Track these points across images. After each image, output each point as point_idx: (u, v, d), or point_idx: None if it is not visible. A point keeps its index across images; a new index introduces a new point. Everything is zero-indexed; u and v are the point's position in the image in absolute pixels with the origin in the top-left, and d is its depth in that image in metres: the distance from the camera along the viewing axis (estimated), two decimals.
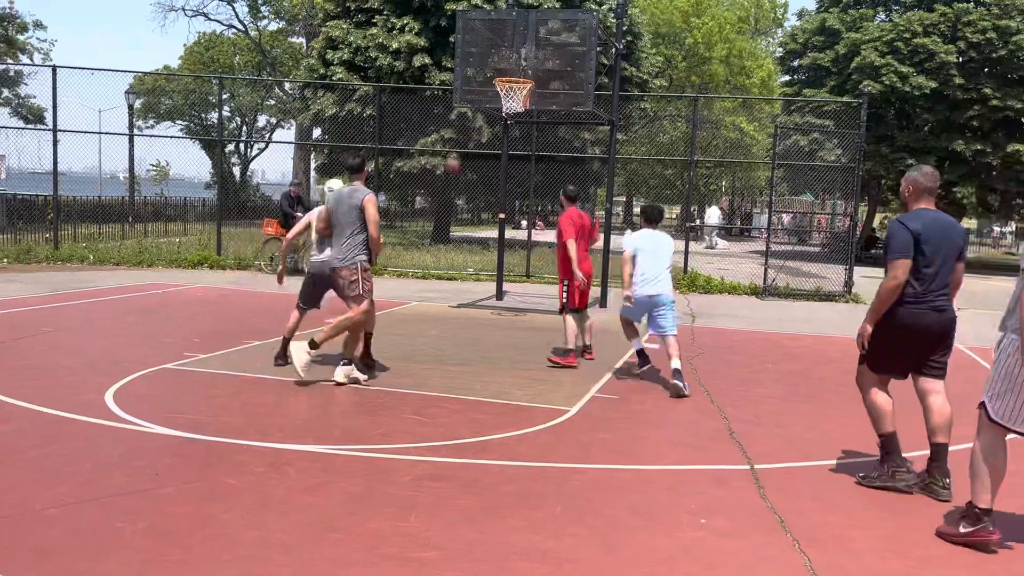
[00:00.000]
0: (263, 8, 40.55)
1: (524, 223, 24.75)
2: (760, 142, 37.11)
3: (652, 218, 7.41)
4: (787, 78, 29.80)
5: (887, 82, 23.17)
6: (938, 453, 4.64)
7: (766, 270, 14.88)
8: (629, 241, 7.23)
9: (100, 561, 3.44)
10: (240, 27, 41.04)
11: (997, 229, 48.90)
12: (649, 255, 7.11)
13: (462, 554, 3.66)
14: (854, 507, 4.45)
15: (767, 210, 19.32)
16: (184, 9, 39.72)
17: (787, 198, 34.40)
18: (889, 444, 4.76)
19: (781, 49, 30.05)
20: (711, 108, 36.01)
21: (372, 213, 6.50)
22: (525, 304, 12.18)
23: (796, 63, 28.05)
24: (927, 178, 4.62)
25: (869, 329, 4.69)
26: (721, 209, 23.70)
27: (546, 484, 4.62)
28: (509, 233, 15.72)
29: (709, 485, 4.73)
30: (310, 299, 7.40)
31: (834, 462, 5.25)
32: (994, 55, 23.48)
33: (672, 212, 52.92)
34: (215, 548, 3.60)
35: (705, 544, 3.88)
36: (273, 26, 42.51)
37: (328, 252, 6.88)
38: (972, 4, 23.79)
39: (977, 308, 14.51)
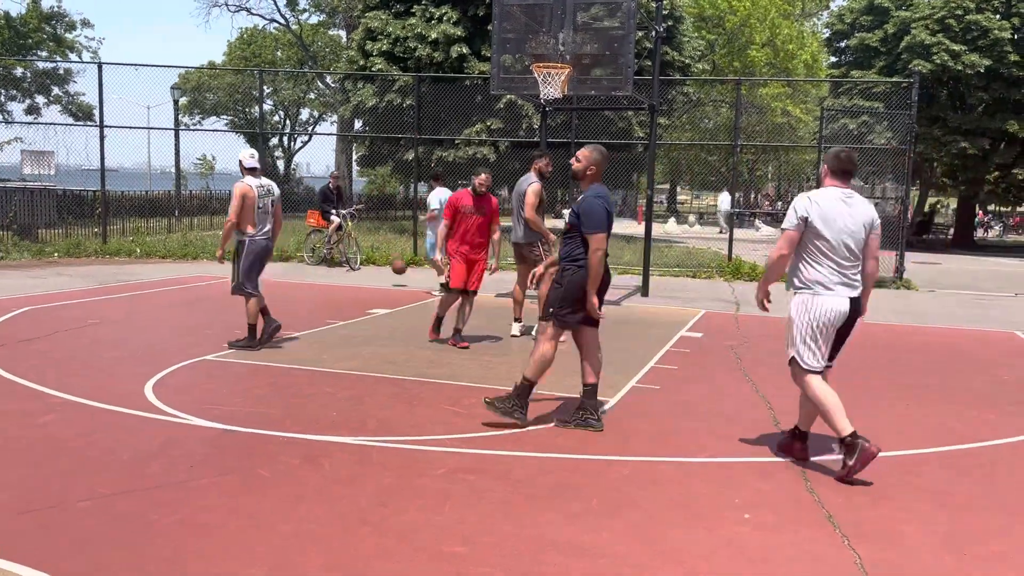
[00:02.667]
0: (303, 1, 40.80)
1: (565, 212, 24.52)
2: (808, 125, 36.33)
3: None
4: (834, 59, 29.06)
5: (938, 61, 22.44)
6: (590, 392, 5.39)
7: None
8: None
9: (134, 552, 3.43)
10: (281, 21, 41.39)
11: None
12: None
13: (496, 547, 3.57)
14: (905, 500, 4.26)
15: None
16: (227, 4, 40.20)
17: None
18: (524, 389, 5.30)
19: (828, 30, 29.30)
20: (755, 92, 35.32)
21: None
22: None
23: (843, 44, 27.32)
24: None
25: (594, 299, 5.27)
26: (733, 193, 22.97)
27: (583, 476, 4.51)
28: (550, 223, 15.58)
29: (753, 478, 4.58)
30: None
31: (885, 454, 5.03)
32: None
33: (715, 199, 52.27)
34: (248, 540, 3.57)
35: (748, 538, 3.74)
36: (314, 19, 42.79)
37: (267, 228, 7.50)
38: None
39: None
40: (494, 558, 3.48)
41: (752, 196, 48.08)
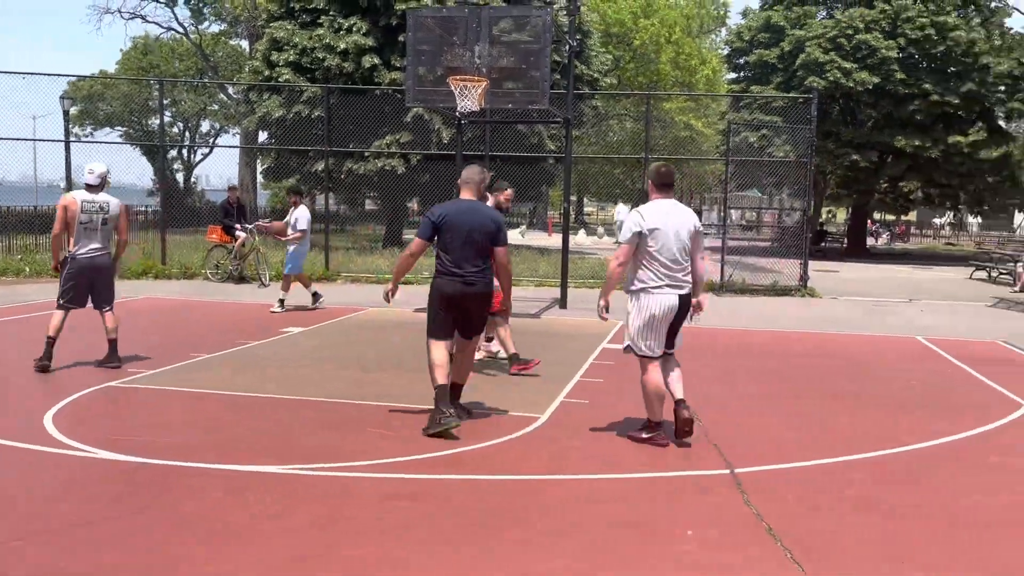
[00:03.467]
0: (203, 10, 39.51)
1: None
2: (710, 138, 37.44)
3: None
4: (734, 75, 30.06)
5: (831, 78, 23.49)
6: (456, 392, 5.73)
7: (723, 266, 14.88)
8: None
9: None
10: (179, 30, 39.95)
11: (937, 221, 50.19)
12: None
13: None
14: (843, 512, 4.32)
15: (718, 207, 19.40)
16: (120, 11, 38.56)
17: (737, 194, 34.79)
18: (441, 393, 5.45)
19: (728, 47, 30.32)
20: (660, 107, 36.20)
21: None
22: None
23: (743, 60, 28.31)
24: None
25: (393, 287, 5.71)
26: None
27: (521, 498, 4.41)
28: None
29: (691, 493, 4.57)
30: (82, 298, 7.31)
31: (812, 463, 5.14)
32: (933, 51, 24.00)
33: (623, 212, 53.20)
34: None
35: (697, 557, 3.71)
36: (214, 28, 41.48)
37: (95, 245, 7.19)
38: (911, 0, 24.26)
39: (923, 298, 14.74)
40: None
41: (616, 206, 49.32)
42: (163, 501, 4.20)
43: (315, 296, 11.50)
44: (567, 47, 11.89)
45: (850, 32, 23.96)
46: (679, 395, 5.38)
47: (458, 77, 10.23)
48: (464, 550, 3.71)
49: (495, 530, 3.95)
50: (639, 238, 5.21)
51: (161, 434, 5.35)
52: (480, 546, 3.76)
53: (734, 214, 34.00)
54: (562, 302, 12.20)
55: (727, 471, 4.89)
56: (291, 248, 11.28)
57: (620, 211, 34.73)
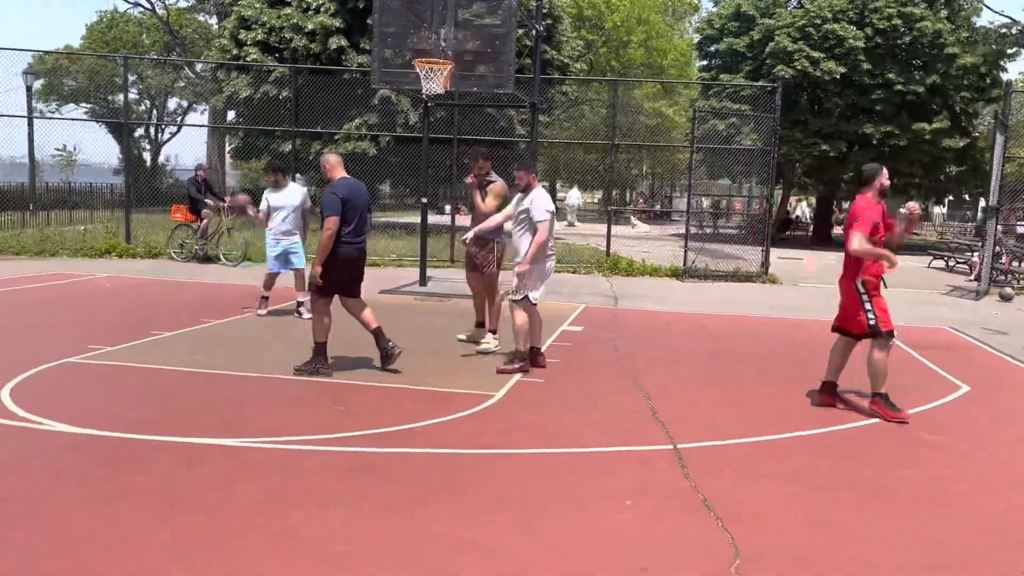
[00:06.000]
0: None
1: (447, 208, 24.51)
2: (680, 126, 37.67)
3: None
4: (704, 63, 30.26)
5: (799, 67, 23.75)
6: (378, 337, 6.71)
7: (686, 252, 15.10)
8: None
9: None
10: (147, 5, 39.30)
11: (902, 211, 50.87)
12: None
13: (385, 546, 3.55)
14: (775, 485, 4.51)
15: (686, 193, 19.64)
16: None
17: (706, 182, 35.14)
18: (321, 348, 6.56)
19: (698, 35, 30.50)
20: (631, 94, 36.34)
21: None
22: (448, 290, 12.04)
23: (713, 48, 28.50)
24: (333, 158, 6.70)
25: (319, 269, 6.31)
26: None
27: (468, 471, 4.54)
28: (432, 219, 15.52)
29: (634, 467, 4.73)
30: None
31: (753, 440, 5.33)
32: (899, 41, 24.36)
33: (594, 197, 53.42)
34: (120, 553, 3.40)
35: (631, 526, 3.88)
36: (182, 3, 40.84)
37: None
38: None
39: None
40: (383, 557, 3.46)
41: (628, 194, 49.47)
42: (116, 472, 4.28)
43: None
44: (534, 31, 11.94)
45: (818, 22, 24.22)
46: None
47: (423, 60, 10.27)
48: (405, 517, 3.84)
49: (438, 499, 4.09)
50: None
51: (117, 408, 5.42)
52: (423, 514, 3.89)
53: (704, 201, 34.48)
54: None
55: (670, 447, 5.06)
56: (293, 239, 9.30)
57: (572, 195, 35.49)
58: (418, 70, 10.26)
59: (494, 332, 7.87)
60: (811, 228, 31.17)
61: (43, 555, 3.36)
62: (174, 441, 4.78)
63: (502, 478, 4.45)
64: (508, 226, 7.24)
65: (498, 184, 7.86)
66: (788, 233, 29.48)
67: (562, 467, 4.69)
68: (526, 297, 6.85)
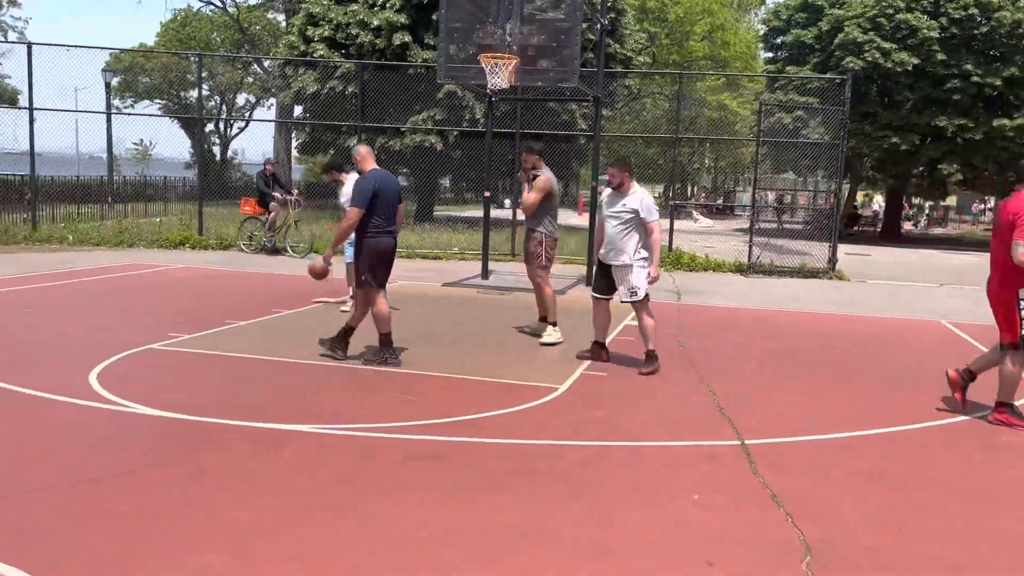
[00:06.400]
0: None
1: (508, 202, 24.59)
2: (744, 119, 37.08)
3: None
4: (770, 55, 29.71)
5: (870, 59, 23.15)
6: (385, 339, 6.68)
7: (751, 247, 14.89)
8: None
9: (86, 543, 3.39)
10: (218, 3, 40.32)
11: (979, 206, 49.15)
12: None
13: (456, 533, 3.63)
14: (848, 482, 4.46)
15: (750, 188, 19.35)
16: None
17: (770, 176, 34.54)
18: (386, 339, 6.65)
19: (764, 26, 29.94)
20: (694, 86, 35.93)
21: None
22: (510, 284, 12.13)
23: (779, 40, 27.96)
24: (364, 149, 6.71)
25: (330, 253, 6.70)
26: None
27: (539, 462, 4.60)
28: (494, 212, 15.61)
29: (701, 461, 4.73)
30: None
31: (823, 437, 5.27)
32: (976, 31, 23.53)
33: (655, 191, 52.95)
34: (204, 529, 3.56)
35: (699, 519, 3.88)
36: (252, 1, 41.75)
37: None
38: None
39: (951, 283, 14.63)
40: (454, 542, 3.54)
41: (690, 189, 48.91)
42: (198, 454, 4.47)
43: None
44: (599, 25, 11.92)
45: (890, 11, 23.56)
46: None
47: (489, 55, 10.35)
48: (475, 505, 3.92)
49: (509, 488, 4.16)
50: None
51: (198, 393, 5.63)
52: (492, 502, 3.97)
53: (769, 196, 33.89)
54: (588, 279, 12.32)
55: (738, 442, 5.04)
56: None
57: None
58: (483, 65, 10.34)
59: (554, 324, 7.92)
60: (879, 224, 30.39)
61: (137, 527, 3.53)
62: (252, 426, 4.95)
63: (571, 470, 4.50)
64: (609, 226, 6.86)
65: (542, 178, 7.86)
66: (856, 228, 28.79)
67: (630, 460, 4.72)
68: (647, 296, 6.86)
